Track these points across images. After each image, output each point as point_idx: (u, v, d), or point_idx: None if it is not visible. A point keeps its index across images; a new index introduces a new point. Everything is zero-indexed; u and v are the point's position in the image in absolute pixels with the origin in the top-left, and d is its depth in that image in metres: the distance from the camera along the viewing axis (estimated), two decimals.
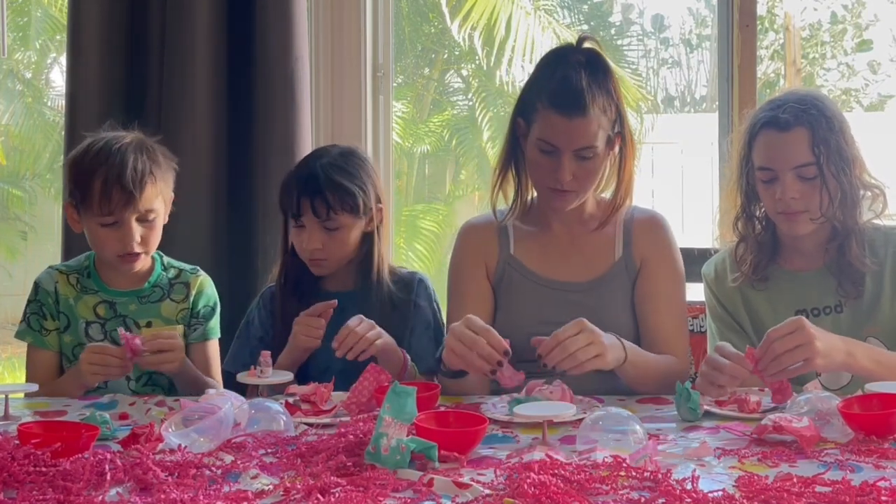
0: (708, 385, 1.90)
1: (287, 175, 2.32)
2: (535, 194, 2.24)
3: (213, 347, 2.35)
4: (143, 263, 2.27)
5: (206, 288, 2.34)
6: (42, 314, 2.30)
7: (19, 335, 2.31)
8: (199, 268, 2.38)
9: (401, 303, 2.29)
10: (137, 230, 2.20)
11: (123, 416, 1.92)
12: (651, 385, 2.05)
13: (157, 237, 2.26)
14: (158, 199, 2.23)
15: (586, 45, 2.14)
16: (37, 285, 2.32)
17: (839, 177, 2.09)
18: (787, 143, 2.10)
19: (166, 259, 2.36)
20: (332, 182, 2.22)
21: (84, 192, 2.20)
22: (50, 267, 2.35)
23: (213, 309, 2.34)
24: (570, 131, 2.07)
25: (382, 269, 2.30)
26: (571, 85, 2.07)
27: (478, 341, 1.90)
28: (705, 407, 1.85)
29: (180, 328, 2.25)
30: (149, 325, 2.28)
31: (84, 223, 2.24)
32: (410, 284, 2.33)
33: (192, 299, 2.31)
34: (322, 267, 2.28)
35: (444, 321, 2.29)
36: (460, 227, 2.33)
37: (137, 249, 2.21)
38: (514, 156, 2.21)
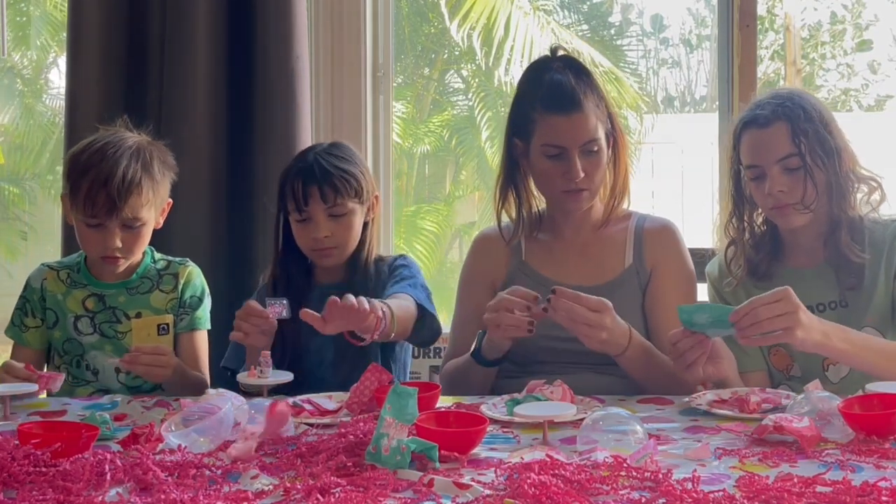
0: (683, 369, 1.93)
1: (285, 172, 2.32)
2: (543, 207, 2.28)
3: (202, 338, 2.34)
4: (125, 265, 2.27)
5: (195, 278, 2.35)
6: (25, 311, 2.32)
7: (6, 331, 2.32)
8: (188, 259, 2.38)
9: (384, 287, 2.27)
10: (119, 236, 2.20)
11: (122, 417, 1.92)
12: (659, 381, 2.05)
13: (142, 243, 2.27)
14: (147, 207, 2.23)
15: (560, 53, 2.24)
16: (27, 282, 2.34)
17: (824, 167, 2.11)
18: (768, 137, 2.13)
19: (157, 254, 2.37)
20: (336, 167, 2.26)
21: (74, 189, 2.22)
22: (42, 264, 2.36)
23: (201, 299, 2.34)
24: (572, 128, 2.13)
25: (370, 258, 2.32)
26: (562, 86, 2.14)
27: (505, 298, 1.95)
28: (705, 407, 1.85)
29: (169, 318, 2.27)
30: (138, 315, 2.29)
31: (74, 218, 2.26)
32: (393, 264, 2.34)
33: (180, 289, 2.32)
34: (332, 256, 2.29)
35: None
36: (475, 235, 2.37)
37: (118, 254, 2.22)
38: (513, 178, 2.24)
